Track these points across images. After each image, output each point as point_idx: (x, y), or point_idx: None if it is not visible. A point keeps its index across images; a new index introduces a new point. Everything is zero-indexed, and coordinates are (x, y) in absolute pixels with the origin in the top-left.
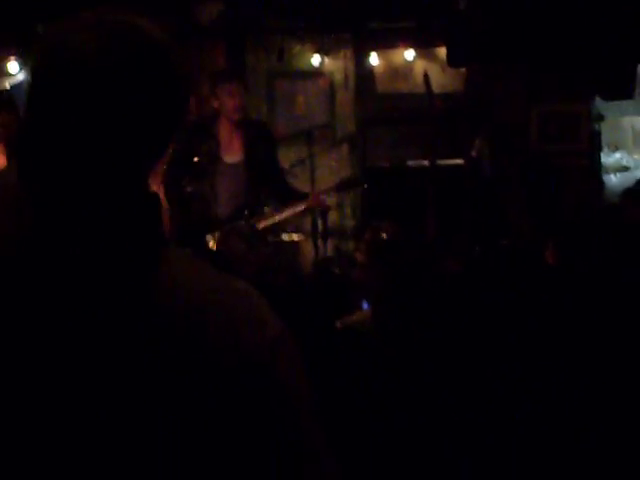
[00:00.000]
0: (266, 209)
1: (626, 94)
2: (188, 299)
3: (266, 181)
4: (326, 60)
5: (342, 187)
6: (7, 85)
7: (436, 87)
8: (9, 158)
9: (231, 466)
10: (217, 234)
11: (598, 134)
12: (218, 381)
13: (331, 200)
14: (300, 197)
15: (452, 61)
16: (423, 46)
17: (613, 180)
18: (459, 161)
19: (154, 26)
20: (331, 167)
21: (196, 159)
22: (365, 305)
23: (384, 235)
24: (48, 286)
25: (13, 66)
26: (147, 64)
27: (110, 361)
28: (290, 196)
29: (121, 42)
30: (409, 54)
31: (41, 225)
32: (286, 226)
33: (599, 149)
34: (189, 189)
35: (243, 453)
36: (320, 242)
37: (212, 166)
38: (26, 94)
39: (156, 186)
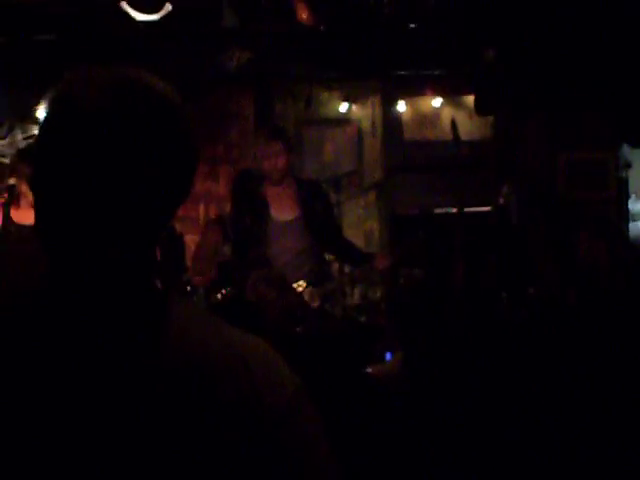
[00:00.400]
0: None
1: None
2: (198, 353)
3: (326, 238)
4: (353, 107)
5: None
6: (36, 131)
7: (463, 134)
8: None
9: None
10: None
11: (625, 181)
12: (233, 439)
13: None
14: (364, 257)
15: (480, 109)
16: (450, 94)
17: None
18: (486, 208)
19: (165, 84)
20: (358, 214)
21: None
22: (388, 356)
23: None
24: (57, 339)
25: (42, 113)
26: (159, 121)
27: (118, 415)
28: (352, 254)
29: (134, 98)
30: (436, 101)
31: (54, 278)
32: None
33: (627, 196)
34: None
35: None
36: (348, 288)
37: (263, 226)
38: (36, 145)
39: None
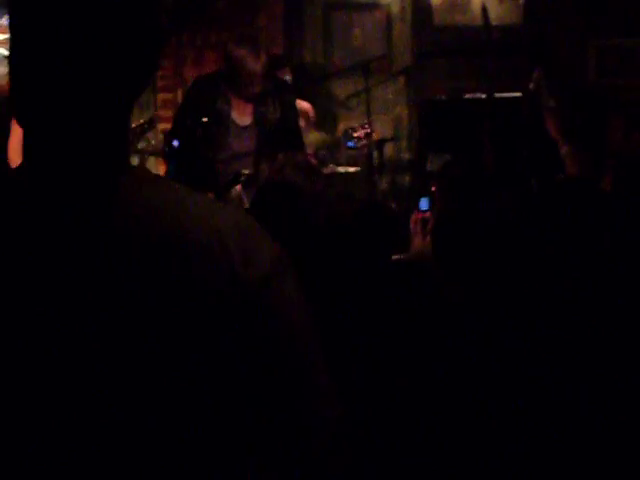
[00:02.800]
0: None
1: None
2: (164, 224)
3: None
4: None
5: None
6: None
7: (494, 19)
8: None
9: (224, 386)
10: (272, 164)
11: None
12: (202, 315)
13: (387, 132)
14: None
15: None
16: None
17: None
18: (517, 94)
19: None
20: (387, 100)
21: (205, 119)
22: (423, 202)
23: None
24: (15, 207)
25: None
26: None
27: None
28: None
29: None
30: None
31: (27, 150)
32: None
33: None
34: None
35: (237, 376)
36: (376, 175)
37: (222, 129)
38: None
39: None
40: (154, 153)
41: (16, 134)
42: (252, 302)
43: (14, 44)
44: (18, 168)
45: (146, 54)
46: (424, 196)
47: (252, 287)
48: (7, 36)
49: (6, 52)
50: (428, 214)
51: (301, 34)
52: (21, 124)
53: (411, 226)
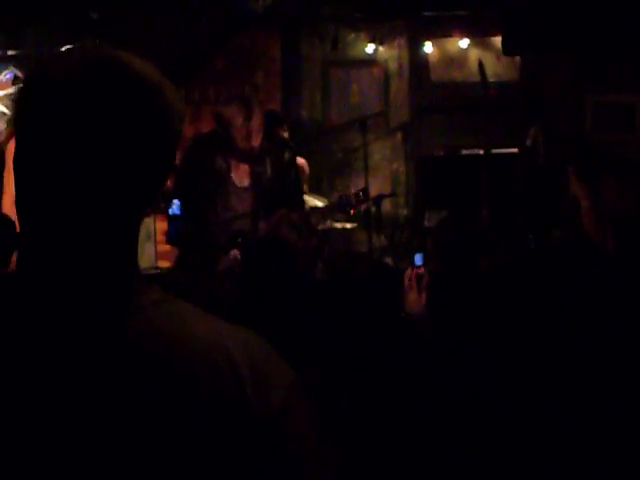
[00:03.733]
0: None
1: None
2: (172, 348)
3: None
4: (380, 48)
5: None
6: None
7: (491, 76)
8: None
9: None
10: (269, 221)
11: None
12: (213, 442)
13: (385, 188)
14: None
15: (507, 49)
16: (478, 35)
17: None
18: (513, 150)
19: (144, 62)
20: (385, 156)
21: (204, 179)
22: (418, 258)
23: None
24: (17, 326)
25: None
26: (132, 99)
27: (76, 414)
28: None
29: (104, 76)
30: (464, 42)
31: (24, 264)
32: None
33: None
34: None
35: None
36: (373, 231)
37: (221, 189)
38: (14, 124)
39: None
40: (153, 210)
41: (10, 190)
42: (264, 436)
43: (20, 165)
44: (12, 282)
45: (151, 183)
46: (419, 252)
47: (265, 419)
48: (6, 92)
49: (4, 109)
50: (422, 269)
51: (299, 91)
52: (24, 241)
53: (405, 282)
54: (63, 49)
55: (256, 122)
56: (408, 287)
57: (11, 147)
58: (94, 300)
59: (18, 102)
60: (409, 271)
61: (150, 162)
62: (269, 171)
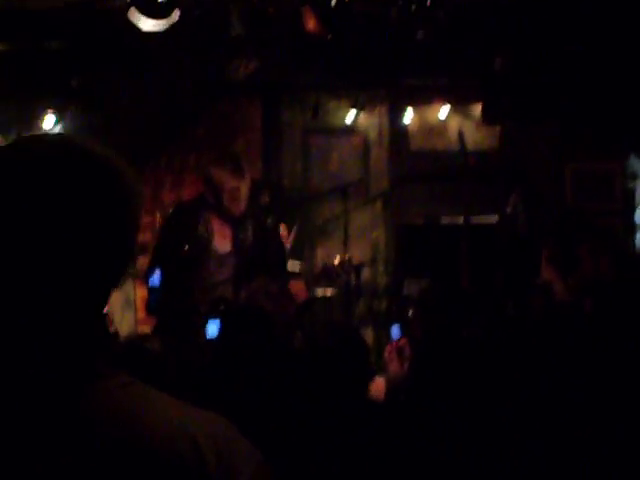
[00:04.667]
0: None
1: None
2: (135, 435)
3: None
4: (361, 116)
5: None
6: None
7: (470, 144)
8: None
9: None
10: (245, 291)
11: (632, 193)
12: None
13: (366, 256)
14: None
15: (487, 119)
16: (458, 103)
17: None
18: (493, 218)
19: (105, 149)
20: (365, 224)
21: (186, 247)
22: (395, 330)
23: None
24: None
25: (49, 121)
26: (91, 183)
27: None
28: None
29: (65, 162)
30: (443, 111)
31: None
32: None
33: (633, 208)
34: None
35: None
36: (353, 299)
37: (202, 256)
38: None
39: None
40: (132, 275)
41: None
42: None
43: None
44: None
45: (111, 267)
46: (395, 323)
47: None
48: None
49: None
50: (402, 341)
51: (279, 158)
52: None
53: (386, 355)
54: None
55: (247, 182)
56: (389, 360)
57: None
58: (52, 383)
59: None
60: (389, 347)
61: (110, 246)
62: (251, 237)
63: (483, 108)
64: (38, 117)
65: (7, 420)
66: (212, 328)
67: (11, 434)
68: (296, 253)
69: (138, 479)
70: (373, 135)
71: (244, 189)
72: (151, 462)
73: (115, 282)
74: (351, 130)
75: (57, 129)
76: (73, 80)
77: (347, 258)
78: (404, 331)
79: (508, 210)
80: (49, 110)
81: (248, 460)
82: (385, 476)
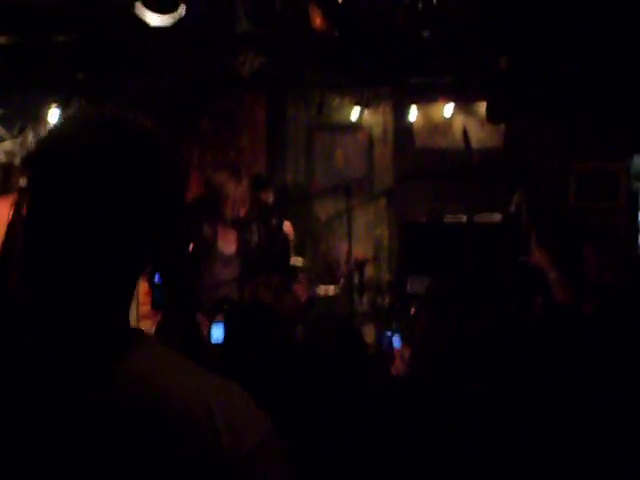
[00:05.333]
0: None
1: None
2: (155, 397)
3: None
4: (365, 114)
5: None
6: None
7: (475, 142)
8: None
9: None
10: (251, 285)
11: (636, 193)
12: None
13: (369, 254)
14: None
15: (492, 117)
16: (462, 101)
17: None
18: (497, 217)
19: (148, 121)
20: (368, 221)
21: (191, 247)
22: (395, 340)
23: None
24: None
25: (54, 113)
26: (136, 154)
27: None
28: None
29: (111, 134)
30: (448, 109)
31: (23, 304)
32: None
33: (637, 208)
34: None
35: None
36: (356, 296)
37: (207, 257)
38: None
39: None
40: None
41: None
42: (237, 474)
43: (32, 212)
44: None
45: (158, 235)
46: (394, 334)
47: (238, 464)
48: None
49: None
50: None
51: (283, 155)
52: (28, 283)
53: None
54: (60, 112)
55: (244, 189)
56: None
57: None
58: (87, 347)
59: (32, 164)
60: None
61: (158, 215)
62: (256, 238)
63: (488, 107)
64: (43, 110)
65: (41, 378)
66: (217, 332)
67: (44, 392)
68: (298, 250)
69: (151, 438)
70: (377, 132)
71: (242, 194)
72: (165, 423)
73: (160, 248)
74: (356, 127)
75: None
76: (78, 74)
77: (351, 255)
78: (405, 335)
79: (511, 209)
80: (54, 104)
81: (257, 429)
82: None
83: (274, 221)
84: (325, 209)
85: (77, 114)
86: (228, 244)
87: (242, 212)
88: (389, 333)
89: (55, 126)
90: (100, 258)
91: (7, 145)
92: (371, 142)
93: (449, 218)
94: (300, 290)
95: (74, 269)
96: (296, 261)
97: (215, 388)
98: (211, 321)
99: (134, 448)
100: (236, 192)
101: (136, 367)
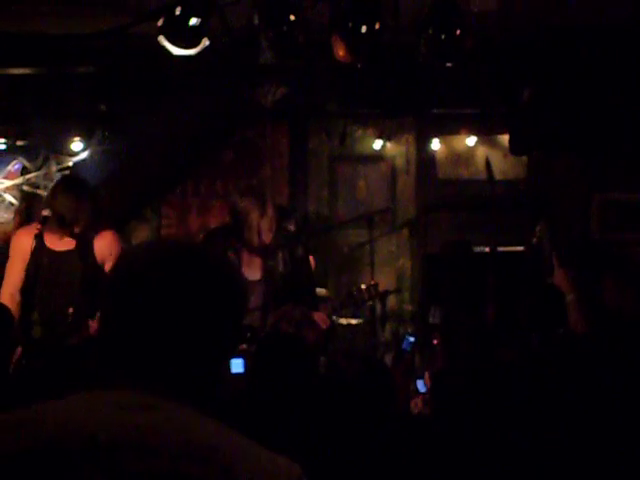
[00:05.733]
0: None
1: None
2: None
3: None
4: (388, 145)
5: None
6: (70, 163)
7: (497, 173)
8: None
9: None
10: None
11: None
12: None
13: (391, 284)
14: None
15: (514, 149)
16: (485, 133)
17: None
18: (520, 248)
19: (214, 251)
20: (391, 252)
21: None
22: (420, 385)
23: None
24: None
25: (77, 146)
26: (210, 286)
27: None
28: None
29: (185, 268)
30: (471, 140)
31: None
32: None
33: None
34: None
35: None
36: (378, 326)
37: None
38: (103, 305)
39: None
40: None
41: (10, 281)
42: None
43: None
44: None
45: (225, 346)
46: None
47: None
48: (15, 182)
49: (12, 199)
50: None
51: (306, 185)
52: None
53: (412, 406)
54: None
55: (271, 216)
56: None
57: (16, 237)
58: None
59: (112, 288)
60: (414, 399)
61: (226, 333)
62: (282, 265)
63: (510, 139)
64: (66, 141)
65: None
66: (236, 363)
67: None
68: (321, 280)
69: None
70: (400, 163)
71: (267, 222)
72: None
73: (228, 354)
74: (378, 158)
75: (84, 154)
76: (101, 105)
77: (373, 284)
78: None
79: (534, 240)
80: (77, 136)
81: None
82: None
83: (299, 251)
84: (347, 239)
85: (155, 245)
86: (253, 270)
87: (267, 239)
88: (410, 337)
89: (130, 255)
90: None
91: (30, 176)
92: (394, 173)
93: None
94: (322, 320)
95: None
96: (319, 292)
97: (236, 443)
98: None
99: None
100: (262, 219)
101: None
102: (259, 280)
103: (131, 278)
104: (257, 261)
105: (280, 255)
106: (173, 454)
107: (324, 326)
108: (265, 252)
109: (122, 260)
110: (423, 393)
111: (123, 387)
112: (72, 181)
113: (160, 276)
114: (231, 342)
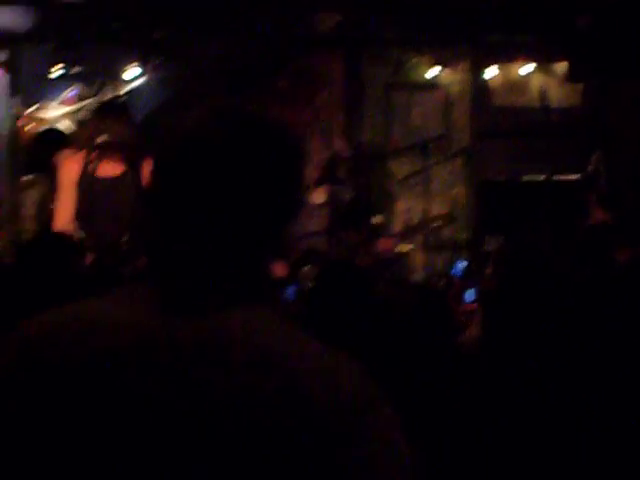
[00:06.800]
0: None
1: None
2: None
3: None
4: (443, 72)
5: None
6: (126, 90)
7: (553, 101)
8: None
9: None
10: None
11: None
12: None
13: (445, 212)
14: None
15: (573, 76)
16: (541, 60)
17: None
18: (575, 176)
19: (273, 114)
20: (445, 180)
21: None
22: (468, 296)
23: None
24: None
25: (133, 72)
26: (259, 143)
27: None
28: None
29: (234, 124)
30: (527, 68)
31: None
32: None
33: None
34: None
35: None
36: (433, 254)
37: None
38: (151, 174)
39: None
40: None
41: (64, 209)
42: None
43: (156, 191)
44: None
45: (287, 201)
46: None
47: (345, 428)
48: (72, 108)
49: (71, 125)
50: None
51: (361, 113)
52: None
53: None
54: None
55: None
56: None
57: (67, 168)
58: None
59: (159, 151)
60: (462, 307)
61: (285, 199)
62: (347, 191)
63: (569, 66)
64: (121, 67)
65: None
66: (290, 291)
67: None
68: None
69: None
70: (455, 91)
71: (342, 146)
72: (266, 394)
73: (287, 221)
74: (433, 86)
75: (140, 80)
76: (155, 32)
77: (427, 213)
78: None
79: (590, 169)
80: (132, 63)
81: (366, 393)
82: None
83: (362, 179)
84: (402, 168)
85: (210, 108)
86: (318, 193)
87: (341, 172)
88: (460, 263)
89: (178, 120)
90: (229, 247)
91: (86, 102)
92: (448, 101)
93: (527, 177)
94: (386, 246)
95: (205, 264)
96: (376, 219)
97: (314, 355)
98: (295, 272)
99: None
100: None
101: (249, 329)
102: (322, 204)
103: (183, 150)
104: (325, 186)
105: (349, 182)
106: (239, 360)
107: (388, 253)
108: (334, 181)
109: (169, 134)
110: (470, 302)
111: (174, 286)
112: (121, 107)
113: (217, 144)
114: (293, 208)
